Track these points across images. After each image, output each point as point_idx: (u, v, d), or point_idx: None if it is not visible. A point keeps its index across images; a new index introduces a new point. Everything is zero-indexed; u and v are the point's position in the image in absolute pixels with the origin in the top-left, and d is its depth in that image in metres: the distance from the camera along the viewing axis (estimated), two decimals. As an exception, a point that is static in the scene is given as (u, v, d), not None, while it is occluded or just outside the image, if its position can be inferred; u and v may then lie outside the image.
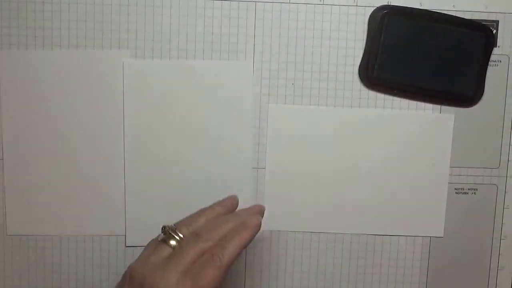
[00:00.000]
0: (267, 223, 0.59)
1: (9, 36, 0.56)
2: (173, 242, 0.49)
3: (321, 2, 0.56)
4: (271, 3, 0.56)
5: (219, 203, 0.53)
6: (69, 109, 0.57)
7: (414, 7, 0.56)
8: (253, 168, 0.58)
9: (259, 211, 0.53)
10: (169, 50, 0.56)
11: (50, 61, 0.56)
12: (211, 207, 0.53)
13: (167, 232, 0.49)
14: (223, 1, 0.56)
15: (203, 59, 0.57)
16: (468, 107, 0.57)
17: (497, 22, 0.57)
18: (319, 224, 0.59)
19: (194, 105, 0.57)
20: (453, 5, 0.56)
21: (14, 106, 0.57)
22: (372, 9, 0.56)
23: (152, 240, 0.51)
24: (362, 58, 0.56)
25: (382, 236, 0.59)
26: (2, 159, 0.58)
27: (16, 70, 0.56)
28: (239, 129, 0.58)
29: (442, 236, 0.59)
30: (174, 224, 0.51)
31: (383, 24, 0.55)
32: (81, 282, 0.59)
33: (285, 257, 0.59)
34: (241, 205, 0.58)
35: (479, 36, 0.55)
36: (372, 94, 0.57)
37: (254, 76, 0.57)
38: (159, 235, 0.50)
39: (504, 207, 0.59)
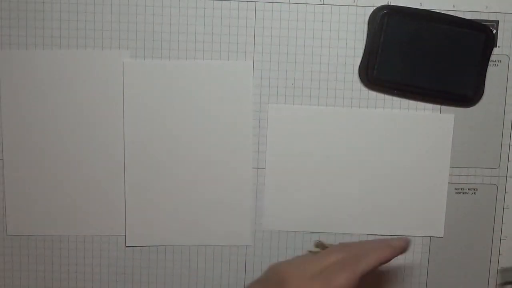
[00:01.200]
0: (267, 223, 0.59)
1: (9, 36, 0.56)
2: (317, 249, 0.54)
3: (321, 2, 0.56)
4: (271, 3, 0.56)
5: (400, 245, 0.52)
6: (69, 109, 0.57)
7: (414, 7, 0.56)
8: (253, 168, 0.58)
9: (406, 243, 0.51)
10: (169, 50, 0.56)
11: (50, 61, 0.56)
12: (390, 246, 0.51)
13: (316, 244, 0.56)
14: (223, 1, 0.56)
15: (203, 59, 0.57)
16: (468, 107, 0.57)
17: (497, 22, 0.57)
18: (319, 224, 0.59)
19: (194, 105, 0.57)
20: (453, 5, 0.56)
21: (14, 106, 0.57)
22: (372, 9, 0.56)
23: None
24: (362, 58, 0.56)
25: (382, 236, 0.59)
26: (2, 159, 0.58)
27: (16, 70, 0.56)
28: (239, 129, 0.58)
29: (442, 236, 0.59)
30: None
31: (383, 24, 0.55)
32: (81, 282, 0.60)
33: (285, 257, 0.59)
34: (241, 205, 0.58)
35: (479, 36, 0.55)
36: (372, 94, 0.57)
37: (254, 76, 0.57)
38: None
39: (504, 207, 0.59)
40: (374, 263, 0.49)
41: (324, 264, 0.49)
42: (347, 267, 0.48)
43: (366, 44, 0.56)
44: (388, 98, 0.57)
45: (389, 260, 0.50)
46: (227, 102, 0.57)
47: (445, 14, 0.56)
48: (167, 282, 0.59)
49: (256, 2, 0.56)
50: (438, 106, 0.57)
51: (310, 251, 0.56)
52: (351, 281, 0.48)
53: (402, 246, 0.51)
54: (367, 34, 0.56)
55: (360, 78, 0.57)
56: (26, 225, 0.58)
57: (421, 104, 0.57)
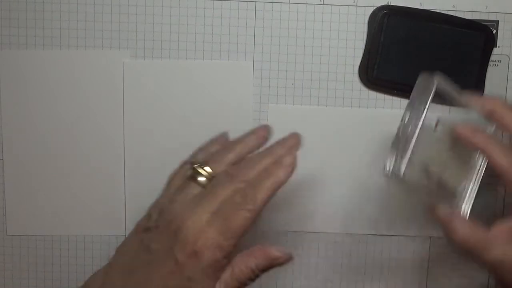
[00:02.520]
0: (267, 223, 0.59)
1: (9, 36, 0.56)
2: (202, 179, 0.47)
3: (321, 2, 0.56)
4: (271, 3, 0.56)
5: (250, 134, 0.49)
6: (69, 109, 0.57)
7: (414, 7, 0.56)
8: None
9: (295, 144, 0.48)
10: (169, 50, 0.56)
11: (50, 61, 0.56)
12: (241, 140, 0.49)
13: (195, 169, 0.47)
14: (223, 1, 0.56)
15: (203, 59, 0.57)
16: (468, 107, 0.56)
17: (497, 22, 0.57)
18: (319, 224, 0.59)
19: (194, 105, 0.57)
20: (453, 5, 0.56)
21: (14, 106, 0.57)
22: (372, 9, 0.56)
23: (174, 176, 0.49)
24: (362, 58, 0.56)
25: (382, 236, 0.59)
26: (2, 159, 0.58)
27: (16, 70, 0.56)
28: (239, 129, 0.58)
29: (442, 236, 0.59)
30: (201, 160, 0.48)
31: (383, 24, 0.55)
32: (81, 282, 0.59)
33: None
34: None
35: (479, 36, 0.55)
36: (372, 94, 0.57)
37: (254, 76, 0.57)
38: (180, 170, 0.49)
39: (504, 207, 0.59)
40: (272, 193, 0.45)
41: (216, 203, 0.44)
42: (243, 204, 0.44)
43: (366, 44, 0.56)
44: (388, 98, 0.57)
45: (285, 182, 0.45)
46: (227, 102, 0.57)
47: (445, 14, 0.56)
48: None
49: (256, 2, 0.56)
50: (438, 106, 0.57)
51: (194, 181, 0.47)
52: (250, 220, 0.44)
53: (292, 162, 0.46)
54: (367, 34, 0.56)
55: (360, 78, 0.57)
56: (26, 225, 0.58)
57: (421, 104, 0.57)
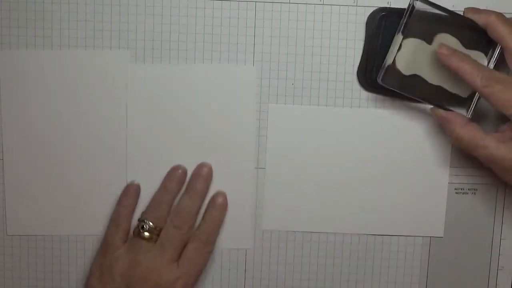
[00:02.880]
0: (267, 223, 0.59)
1: (9, 36, 0.56)
2: (147, 234, 0.55)
3: (321, 2, 0.56)
4: (271, 3, 0.56)
5: (169, 180, 0.57)
6: (69, 109, 0.57)
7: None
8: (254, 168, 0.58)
9: (209, 175, 0.57)
10: (169, 50, 0.56)
11: (50, 61, 0.56)
12: (165, 189, 0.56)
13: (141, 226, 0.55)
14: (223, 1, 0.56)
15: (203, 59, 0.57)
16: (467, 107, 0.56)
17: (497, 22, 0.56)
18: (319, 224, 0.59)
19: (195, 106, 0.57)
20: (453, 5, 0.56)
21: (14, 106, 0.57)
22: (372, 9, 0.56)
23: (110, 240, 0.56)
24: (361, 61, 0.56)
25: (382, 236, 0.59)
26: (2, 159, 0.58)
27: (16, 70, 0.56)
28: (241, 130, 0.58)
29: (442, 236, 0.59)
30: (140, 218, 0.56)
31: (381, 26, 0.55)
32: (81, 282, 0.59)
33: (285, 257, 0.59)
34: (244, 204, 0.58)
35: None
36: (372, 94, 0.57)
37: (254, 76, 0.57)
38: (111, 230, 0.56)
39: (504, 207, 0.59)
40: (218, 230, 0.57)
41: (177, 254, 0.55)
42: (204, 249, 0.56)
43: (364, 46, 0.56)
44: (388, 98, 0.57)
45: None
46: (228, 102, 0.57)
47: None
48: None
49: (256, 2, 0.56)
50: (438, 106, 0.57)
51: (140, 237, 0.55)
52: (209, 259, 0.57)
53: (224, 203, 0.57)
54: (365, 36, 0.56)
55: (359, 81, 0.57)
56: (26, 225, 0.58)
57: (421, 105, 0.57)
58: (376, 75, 0.54)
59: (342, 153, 0.58)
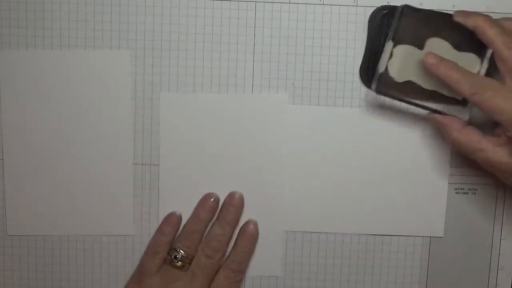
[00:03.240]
0: (267, 223, 0.59)
1: (9, 36, 0.56)
2: (179, 263, 0.55)
3: (321, 2, 0.56)
4: (271, 3, 0.56)
5: (202, 208, 0.57)
6: (69, 108, 0.57)
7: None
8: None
9: (240, 204, 0.57)
10: (169, 50, 0.56)
11: (50, 61, 0.56)
12: (197, 217, 0.57)
13: (174, 256, 0.55)
14: (223, 1, 0.56)
15: (203, 59, 0.57)
16: (464, 110, 0.56)
17: (497, 22, 0.56)
18: (319, 224, 0.59)
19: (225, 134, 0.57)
20: (453, 5, 0.56)
21: (14, 106, 0.57)
22: (372, 9, 0.56)
23: (146, 267, 0.56)
24: (363, 59, 0.56)
25: (382, 236, 0.59)
26: (2, 159, 0.58)
27: (16, 70, 0.56)
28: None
29: (442, 236, 0.59)
30: (172, 246, 0.56)
31: (383, 24, 0.55)
32: (81, 282, 0.59)
33: (285, 257, 0.59)
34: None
35: (484, 46, 0.54)
36: (372, 94, 0.57)
37: (254, 76, 0.57)
38: (147, 257, 0.56)
39: (504, 207, 0.59)
40: (249, 259, 0.57)
41: (208, 282, 0.56)
42: (235, 278, 0.56)
43: (366, 44, 0.56)
44: (388, 98, 0.57)
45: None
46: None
47: (446, 13, 0.55)
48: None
49: (256, 2, 0.56)
50: (438, 106, 0.57)
51: (172, 266, 0.56)
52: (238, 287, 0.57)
53: (254, 233, 0.57)
54: (367, 35, 0.56)
55: (362, 80, 0.57)
56: (26, 225, 0.58)
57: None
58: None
59: (342, 153, 0.58)
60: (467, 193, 0.59)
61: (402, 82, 0.53)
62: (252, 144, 0.58)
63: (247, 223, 0.57)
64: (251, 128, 0.57)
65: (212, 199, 0.57)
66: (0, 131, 0.57)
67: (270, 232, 0.59)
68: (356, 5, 0.56)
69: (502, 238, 0.59)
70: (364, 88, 0.57)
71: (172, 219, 0.57)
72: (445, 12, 0.53)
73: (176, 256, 0.55)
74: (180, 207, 0.57)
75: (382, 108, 0.57)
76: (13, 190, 0.58)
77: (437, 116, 0.53)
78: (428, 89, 0.53)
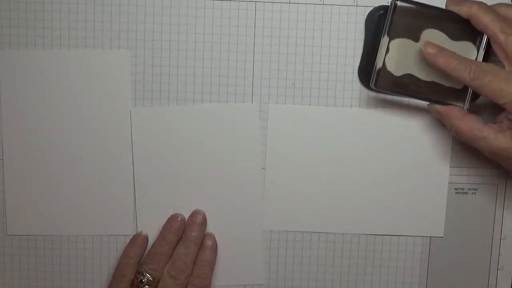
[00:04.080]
0: (267, 223, 0.59)
1: (9, 36, 0.56)
2: (146, 287, 0.56)
3: (321, 2, 0.56)
4: (271, 3, 0.56)
5: (167, 230, 0.57)
6: (69, 108, 0.57)
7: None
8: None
9: (202, 221, 0.57)
10: (169, 50, 0.56)
11: (50, 60, 0.56)
12: (164, 239, 0.57)
13: (139, 280, 0.56)
14: (223, 1, 0.56)
15: (203, 59, 0.57)
16: (464, 99, 0.56)
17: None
18: (319, 224, 0.59)
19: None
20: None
21: (14, 106, 0.57)
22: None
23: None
24: (361, 58, 0.56)
25: (382, 236, 0.59)
26: (2, 159, 0.58)
27: (16, 70, 0.56)
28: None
29: (442, 236, 0.59)
30: (138, 269, 0.56)
31: (380, 24, 0.55)
32: (81, 282, 0.59)
33: (285, 257, 0.59)
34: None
35: (479, 33, 0.54)
36: (372, 94, 0.57)
37: (254, 77, 0.57)
38: (116, 283, 0.56)
39: (504, 207, 0.59)
40: (212, 273, 0.57)
41: None
42: None
43: (364, 44, 0.56)
44: (388, 98, 0.57)
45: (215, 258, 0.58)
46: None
47: (444, 10, 0.55)
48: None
49: (256, 2, 0.56)
50: (438, 106, 0.57)
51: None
52: None
53: (213, 244, 0.57)
54: (365, 34, 0.56)
55: (360, 79, 0.57)
56: (26, 225, 0.58)
57: (421, 104, 0.57)
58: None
59: (342, 153, 0.58)
60: (467, 193, 0.59)
61: (400, 76, 0.53)
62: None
63: (205, 237, 0.58)
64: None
65: (178, 219, 0.57)
66: (0, 131, 0.57)
67: (271, 233, 0.59)
68: (356, 5, 0.56)
69: (502, 238, 0.59)
70: (364, 88, 0.57)
71: (137, 240, 0.57)
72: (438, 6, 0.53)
73: (142, 280, 0.55)
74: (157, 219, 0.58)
75: (382, 108, 0.57)
76: (13, 190, 0.58)
77: (437, 106, 0.53)
78: (426, 81, 0.53)
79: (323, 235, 0.59)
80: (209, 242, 0.57)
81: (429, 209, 0.59)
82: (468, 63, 0.50)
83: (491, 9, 0.50)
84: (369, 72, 0.54)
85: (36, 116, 0.57)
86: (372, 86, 0.53)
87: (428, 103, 0.54)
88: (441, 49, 0.51)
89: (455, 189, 0.59)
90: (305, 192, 0.58)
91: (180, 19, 0.56)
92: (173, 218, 0.57)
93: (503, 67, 0.50)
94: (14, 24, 0.56)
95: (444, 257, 0.60)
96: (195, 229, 0.57)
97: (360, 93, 0.57)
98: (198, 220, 0.57)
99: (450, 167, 0.58)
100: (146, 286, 0.55)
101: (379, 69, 0.53)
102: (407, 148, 0.58)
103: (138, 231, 0.58)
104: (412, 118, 0.57)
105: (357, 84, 0.57)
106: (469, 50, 0.52)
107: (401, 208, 0.59)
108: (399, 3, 0.52)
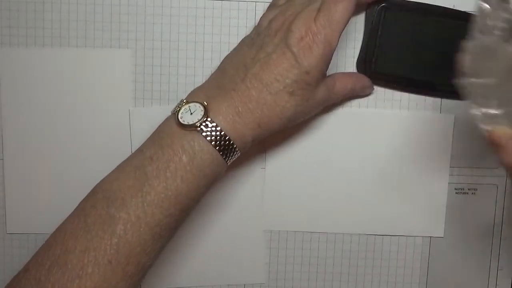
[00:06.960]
0: (267, 223, 0.59)
1: (9, 36, 0.56)
2: None
3: (321, 2, 0.56)
4: (271, 3, 0.56)
5: None
6: (70, 108, 0.57)
7: (412, 0, 0.55)
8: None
9: None
10: (169, 50, 0.57)
11: (50, 59, 0.56)
12: None
13: None
14: (223, 1, 0.56)
15: (203, 59, 0.57)
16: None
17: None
18: (319, 224, 0.59)
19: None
20: (453, 5, 0.55)
21: (14, 105, 0.57)
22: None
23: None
24: (360, 52, 0.56)
25: (382, 236, 0.59)
26: (2, 159, 0.58)
27: (16, 69, 0.56)
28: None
29: (442, 236, 0.59)
30: None
31: (381, 18, 0.55)
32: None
33: (285, 257, 0.59)
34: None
35: None
36: (372, 94, 0.57)
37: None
38: None
39: (504, 207, 0.59)
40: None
41: (318, 2, 0.49)
42: None
43: (363, 38, 0.56)
44: (388, 98, 0.57)
45: None
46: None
47: (443, 7, 0.55)
48: (166, 282, 0.59)
49: (256, 2, 0.56)
50: (438, 106, 0.57)
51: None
52: (350, 9, 0.49)
53: None
54: (365, 28, 0.56)
55: (358, 71, 0.56)
56: (26, 223, 0.58)
57: (421, 104, 0.57)
58: (375, 66, 0.54)
59: (341, 153, 0.58)
60: (467, 193, 0.59)
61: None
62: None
63: None
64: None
65: None
66: (0, 131, 0.57)
67: (270, 232, 0.59)
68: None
69: (502, 238, 0.59)
70: (363, 88, 0.57)
71: None
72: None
73: None
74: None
75: (382, 108, 0.57)
76: (13, 189, 0.58)
77: (493, 132, 0.44)
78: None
79: (323, 235, 0.59)
80: None
81: (429, 209, 0.59)
82: None
83: None
84: (367, 65, 0.54)
85: (36, 116, 0.57)
86: (373, 69, 0.53)
87: (488, 128, 0.45)
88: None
89: (455, 189, 0.59)
90: (305, 192, 0.58)
91: (180, 19, 0.56)
92: None
93: None
94: (14, 24, 0.56)
95: (444, 257, 0.59)
96: None
97: (360, 92, 0.57)
98: None
99: (450, 167, 0.58)
100: None
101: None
102: (406, 148, 0.58)
103: None
104: (412, 118, 0.57)
105: (357, 84, 0.57)
106: None
107: (401, 208, 0.59)
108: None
